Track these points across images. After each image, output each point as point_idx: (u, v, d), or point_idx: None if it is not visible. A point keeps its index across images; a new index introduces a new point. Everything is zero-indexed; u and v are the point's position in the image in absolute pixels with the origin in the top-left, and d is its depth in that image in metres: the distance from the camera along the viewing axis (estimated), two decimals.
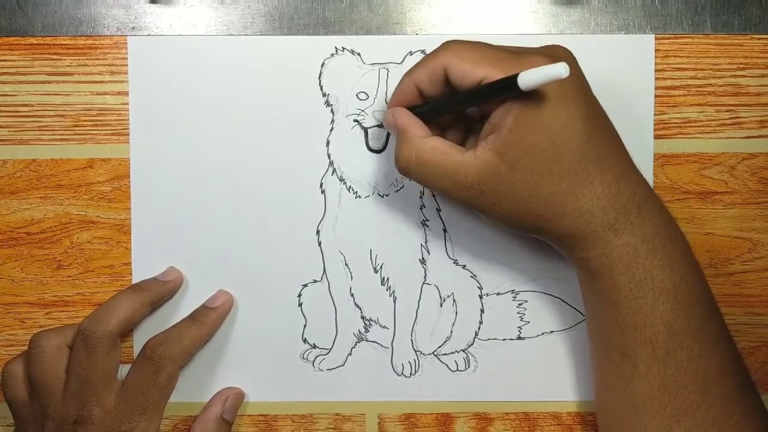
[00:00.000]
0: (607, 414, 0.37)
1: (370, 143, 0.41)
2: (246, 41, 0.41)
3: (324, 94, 0.41)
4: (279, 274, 0.41)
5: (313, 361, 0.42)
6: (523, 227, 0.35)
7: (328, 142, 0.41)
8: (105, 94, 0.41)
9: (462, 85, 0.33)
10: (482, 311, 0.42)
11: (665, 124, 0.41)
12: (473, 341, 0.42)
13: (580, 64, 0.34)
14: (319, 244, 0.41)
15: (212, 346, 0.41)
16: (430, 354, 0.42)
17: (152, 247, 0.41)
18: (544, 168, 0.33)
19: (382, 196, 0.41)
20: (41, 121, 0.41)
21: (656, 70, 0.41)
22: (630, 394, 0.35)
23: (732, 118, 0.41)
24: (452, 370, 0.42)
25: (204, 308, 0.41)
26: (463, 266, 0.42)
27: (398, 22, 0.41)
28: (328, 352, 0.42)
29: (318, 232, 0.41)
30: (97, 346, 0.37)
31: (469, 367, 0.42)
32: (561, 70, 0.29)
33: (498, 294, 0.42)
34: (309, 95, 0.41)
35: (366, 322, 0.42)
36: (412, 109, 0.36)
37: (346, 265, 0.41)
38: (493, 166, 0.33)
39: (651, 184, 0.40)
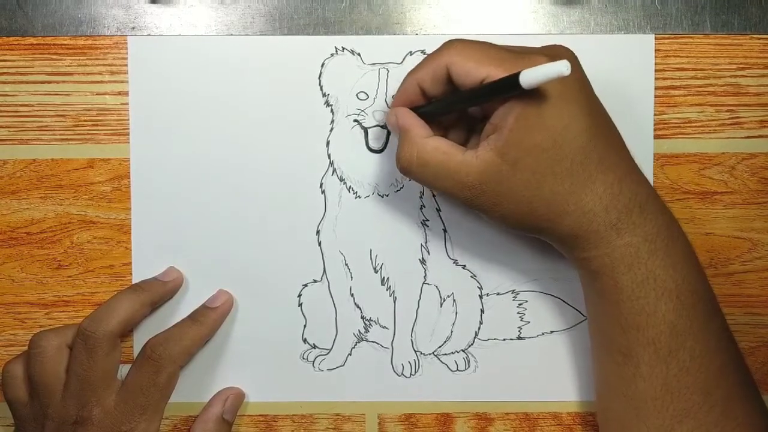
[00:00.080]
0: (608, 414, 0.37)
1: (370, 143, 0.41)
2: (246, 41, 0.41)
3: (324, 94, 0.41)
4: (279, 274, 0.41)
5: (313, 361, 0.42)
6: (524, 227, 0.35)
7: (328, 142, 0.41)
8: (105, 94, 0.41)
9: (464, 83, 0.33)
10: (482, 311, 0.42)
11: (665, 124, 0.41)
12: (473, 341, 0.42)
13: (581, 64, 0.34)
14: (319, 244, 0.41)
15: (212, 346, 0.41)
16: (430, 354, 0.42)
17: (152, 247, 0.41)
18: (546, 168, 0.33)
19: (382, 196, 0.41)
20: (41, 121, 0.41)
21: (656, 70, 0.41)
22: (632, 394, 0.35)
23: (732, 118, 0.41)
24: (452, 370, 0.42)
25: (204, 308, 0.41)
26: (463, 266, 0.42)
27: (398, 22, 0.41)
28: (328, 352, 0.42)
29: (318, 232, 0.41)
30: (97, 346, 0.37)
31: (469, 367, 0.42)
32: (562, 68, 0.29)
33: (498, 294, 0.42)
34: (309, 95, 0.41)
35: (366, 322, 0.42)
36: (415, 109, 0.36)
37: (346, 265, 0.41)
38: (495, 166, 0.33)
39: (651, 184, 0.40)
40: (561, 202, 0.33)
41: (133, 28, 0.41)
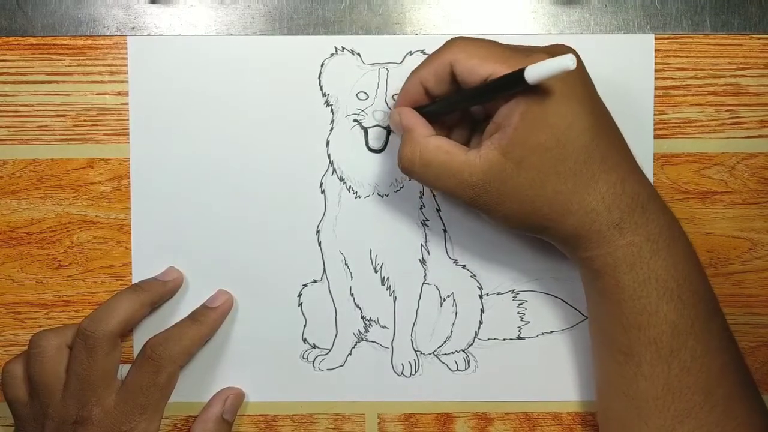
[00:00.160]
0: (609, 414, 0.37)
1: (370, 143, 0.41)
2: (246, 41, 0.41)
3: (324, 94, 0.41)
4: (279, 274, 0.41)
5: (313, 361, 0.42)
6: (527, 227, 0.35)
7: (328, 142, 0.41)
8: (105, 94, 0.41)
9: (468, 81, 0.33)
10: (482, 311, 0.42)
11: (665, 124, 0.41)
12: (473, 341, 0.42)
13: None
14: (319, 244, 0.41)
15: (212, 346, 0.41)
16: (430, 354, 0.42)
17: (152, 247, 0.41)
18: (549, 167, 0.33)
19: (382, 196, 0.41)
20: (41, 121, 0.41)
21: (656, 70, 0.41)
22: (633, 394, 0.35)
23: (732, 118, 0.41)
24: (452, 370, 0.42)
25: (204, 308, 0.41)
26: (463, 266, 0.42)
27: (398, 22, 0.41)
28: (328, 352, 0.42)
29: (318, 232, 0.41)
30: (97, 346, 0.37)
31: (469, 367, 0.42)
32: (568, 62, 0.29)
33: (498, 294, 0.42)
34: (309, 95, 0.41)
35: (366, 322, 0.42)
36: (419, 109, 0.36)
37: (346, 265, 0.41)
38: (498, 165, 0.33)
39: (652, 183, 0.40)
40: (564, 201, 0.33)
41: (133, 28, 0.41)
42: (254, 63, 0.41)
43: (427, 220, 0.41)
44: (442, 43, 0.35)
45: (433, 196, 0.41)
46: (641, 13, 0.41)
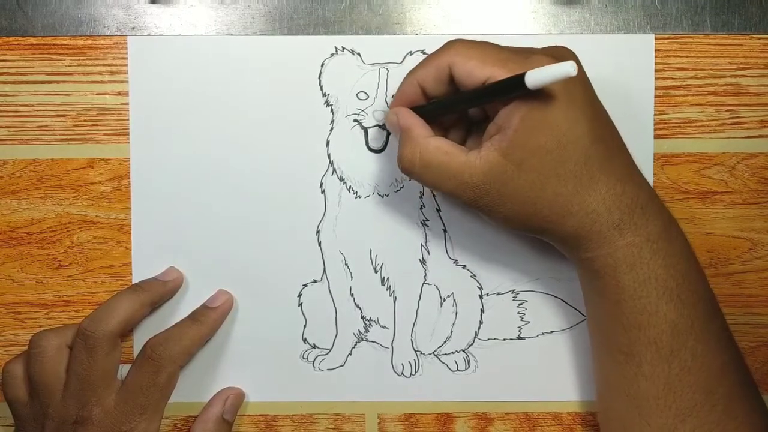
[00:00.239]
0: (610, 414, 0.37)
1: (370, 143, 0.41)
2: (246, 41, 0.41)
3: (324, 94, 0.41)
4: (279, 274, 0.41)
5: (313, 361, 0.42)
6: (527, 228, 0.35)
7: (328, 142, 0.41)
8: (105, 94, 0.41)
9: (466, 84, 0.33)
10: (482, 311, 0.42)
11: (665, 124, 0.41)
12: (473, 341, 0.42)
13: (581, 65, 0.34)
14: (319, 244, 0.41)
15: (212, 346, 0.41)
16: (430, 354, 0.42)
17: (152, 247, 0.41)
18: (550, 169, 0.33)
19: (382, 196, 0.41)
20: (41, 121, 0.41)
21: (656, 70, 0.41)
22: (634, 394, 0.35)
23: (732, 118, 0.41)
24: (452, 370, 0.42)
25: (204, 308, 0.41)
26: (463, 266, 0.42)
27: (398, 22, 0.41)
28: (328, 352, 0.42)
29: (318, 232, 0.41)
30: (97, 346, 0.37)
31: (469, 367, 0.42)
32: (569, 68, 0.29)
33: (498, 294, 0.42)
34: (309, 95, 0.41)
35: (366, 322, 0.42)
36: (415, 109, 0.36)
37: (346, 265, 0.41)
38: (499, 166, 0.33)
39: (651, 184, 0.40)
40: (564, 203, 0.33)
41: (133, 28, 0.41)
42: (254, 63, 0.41)
43: (427, 220, 0.41)
44: (441, 45, 0.35)
45: (433, 196, 0.41)
46: (641, 13, 0.41)
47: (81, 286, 0.41)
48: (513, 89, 0.31)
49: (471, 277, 0.42)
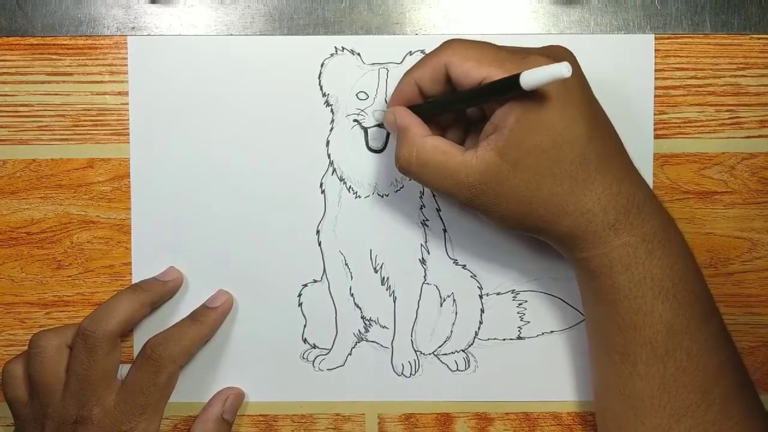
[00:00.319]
0: (606, 414, 0.37)
1: (370, 143, 0.41)
2: (246, 41, 0.41)
3: (324, 94, 0.41)
4: (279, 274, 0.41)
5: (313, 361, 0.42)
6: (523, 227, 0.35)
7: (328, 142, 0.41)
8: (105, 94, 0.41)
9: (463, 84, 0.33)
10: (482, 311, 0.42)
11: (665, 124, 0.41)
12: (473, 341, 0.42)
13: (580, 64, 0.34)
14: (319, 244, 0.41)
15: (212, 346, 0.41)
16: (430, 354, 0.42)
17: (152, 247, 0.41)
18: (545, 169, 0.33)
19: (382, 196, 0.41)
20: (41, 121, 0.41)
21: (656, 70, 0.41)
22: (629, 393, 0.35)
23: (732, 118, 0.41)
24: (452, 370, 0.42)
25: (204, 308, 0.41)
26: (463, 266, 0.42)
27: (398, 22, 0.41)
28: (328, 352, 0.42)
29: (318, 232, 0.41)
30: (97, 346, 0.37)
31: (469, 367, 0.42)
32: (563, 69, 0.29)
33: (498, 294, 0.42)
34: (309, 95, 0.41)
35: (366, 322, 0.42)
36: (413, 108, 0.36)
37: (346, 265, 0.41)
38: (495, 166, 0.33)
39: (651, 184, 0.41)
40: (560, 202, 0.33)
41: (133, 28, 0.41)
42: (254, 63, 0.41)
43: (427, 220, 0.41)
44: (438, 45, 0.35)
45: (433, 196, 0.41)
46: (641, 13, 0.41)
47: (81, 286, 0.42)
48: (508, 89, 0.31)
49: (471, 277, 0.42)
